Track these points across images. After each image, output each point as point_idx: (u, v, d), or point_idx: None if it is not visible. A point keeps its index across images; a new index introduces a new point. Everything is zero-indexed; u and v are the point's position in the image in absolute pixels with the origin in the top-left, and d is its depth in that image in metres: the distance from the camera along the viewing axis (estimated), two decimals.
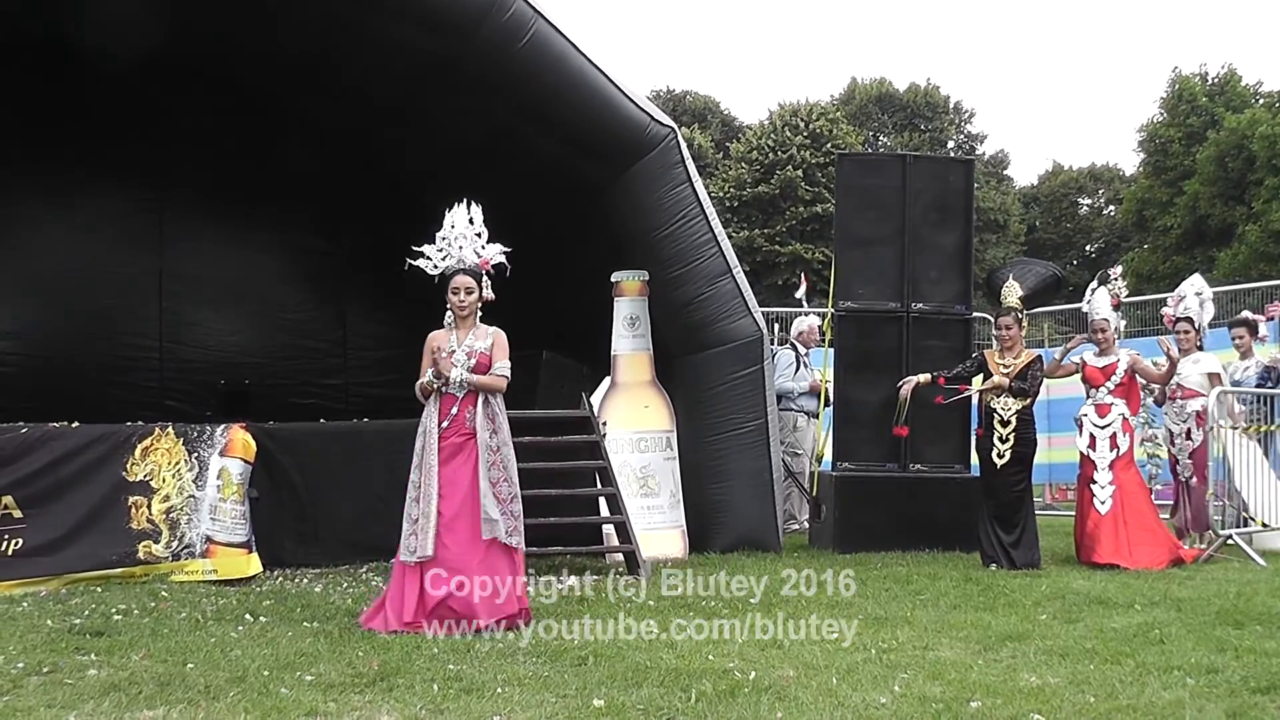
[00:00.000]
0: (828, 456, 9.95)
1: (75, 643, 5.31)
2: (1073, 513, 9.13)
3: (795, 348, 11.40)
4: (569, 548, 8.17)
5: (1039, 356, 8.55)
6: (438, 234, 6.11)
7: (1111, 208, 46.03)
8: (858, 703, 4.33)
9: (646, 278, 9.13)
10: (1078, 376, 8.89)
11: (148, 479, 7.40)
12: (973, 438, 8.96)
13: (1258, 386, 9.63)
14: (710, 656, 5.13)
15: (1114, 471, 8.47)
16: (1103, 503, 8.43)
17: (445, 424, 5.96)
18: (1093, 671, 4.87)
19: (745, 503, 9.07)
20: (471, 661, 5.00)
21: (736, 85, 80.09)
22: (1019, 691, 4.50)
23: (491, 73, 8.38)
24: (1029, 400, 8.36)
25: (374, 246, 11.81)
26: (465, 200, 6.13)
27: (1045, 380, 8.68)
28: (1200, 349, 9.46)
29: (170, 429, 7.55)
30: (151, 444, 7.45)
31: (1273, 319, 11.27)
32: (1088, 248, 46.16)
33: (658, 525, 8.80)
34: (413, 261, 6.07)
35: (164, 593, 6.81)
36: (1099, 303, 8.83)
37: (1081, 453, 8.66)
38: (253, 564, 7.49)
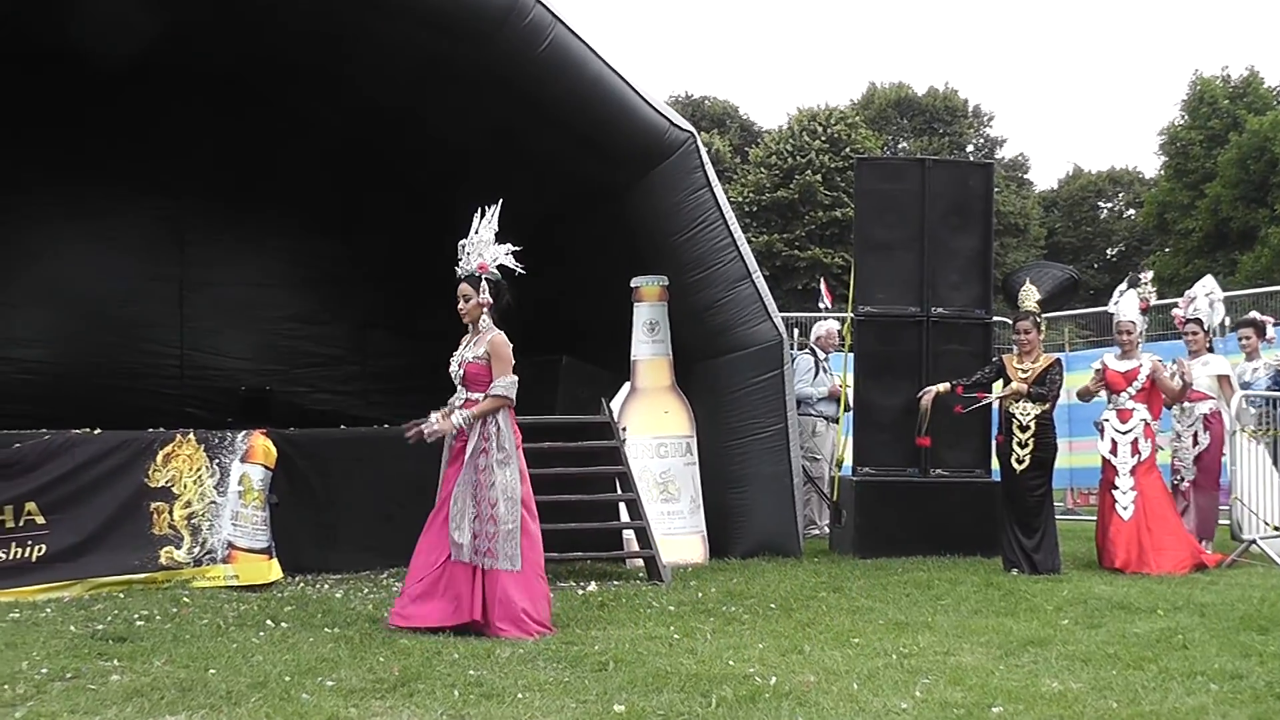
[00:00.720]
0: (848, 461, 9.94)
1: (98, 648, 5.34)
2: (1094, 518, 9.08)
3: (815, 352, 11.37)
4: (589, 553, 8.16)
5: (1058, 360, 8.50)
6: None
7: (1132, 211, 45.89)
8: (879, 708, 4.32)
9: (666, 283, 9.12)
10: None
11: (169, 485, 7.42)
12: (993, 443, 8.92)
13: (1269, 390, 9.52)
14: (731, 662, 5.12)
15: (1136, 477, 8.42)
16: (1125, 509, 8.39)
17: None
18: (1115, 677, 4.85)
19: (765, 508, 9.06)
20: (492, 667, 5.01)
21: (755, 90, 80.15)
22: (1040, 697, 4.49)
23: (510, 77, 8.40)
24: (1048, 405, 8.32)
25: (392, 251, 11.92)
26: (486, 204, 6.09)
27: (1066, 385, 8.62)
28: (1210, 351, 9.38)
29: (191, 435, 7.58)
30: (173, 450, 7.47)
31: None
32: (1108, 251, 46.02)
33: (678, 530, 8.79)
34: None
35: (186, 598, 6.84)
36: (1126, 305, 8.77)
37: (1103, 457, 8.62)
38: (274, 570, 7.50)
